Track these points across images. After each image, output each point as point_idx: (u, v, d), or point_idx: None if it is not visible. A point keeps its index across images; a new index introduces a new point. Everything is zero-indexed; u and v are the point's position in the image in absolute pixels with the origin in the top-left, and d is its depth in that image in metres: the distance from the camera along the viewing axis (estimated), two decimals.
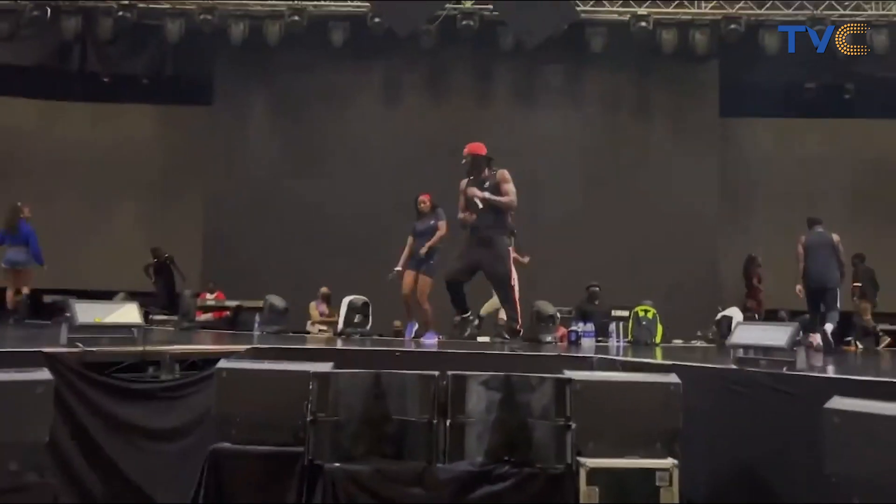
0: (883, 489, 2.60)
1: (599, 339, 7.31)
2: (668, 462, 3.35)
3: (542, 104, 11.12)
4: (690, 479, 3.44)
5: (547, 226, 9.80)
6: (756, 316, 9.57)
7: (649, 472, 3.32)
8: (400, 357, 4.58)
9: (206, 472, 3.45)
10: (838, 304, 7.45)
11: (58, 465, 3.46)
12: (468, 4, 10.42)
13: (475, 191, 5.59)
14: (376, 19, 10.22)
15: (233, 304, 9.40)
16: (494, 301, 6.90)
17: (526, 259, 7.49)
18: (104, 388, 3.81)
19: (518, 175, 5.96)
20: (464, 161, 5.77)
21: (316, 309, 9.69)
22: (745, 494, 3.54)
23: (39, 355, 3.60)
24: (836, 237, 7.49)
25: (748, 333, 4.04)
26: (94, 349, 3.91)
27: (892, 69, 10.45)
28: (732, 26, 10.25)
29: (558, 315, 6.87)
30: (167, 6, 10.56)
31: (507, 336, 5.94)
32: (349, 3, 10.63)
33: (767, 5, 10.26)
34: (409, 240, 6.71)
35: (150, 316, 8.08)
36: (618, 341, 7.24)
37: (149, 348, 4.19)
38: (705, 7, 10.40)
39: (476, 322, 6.13)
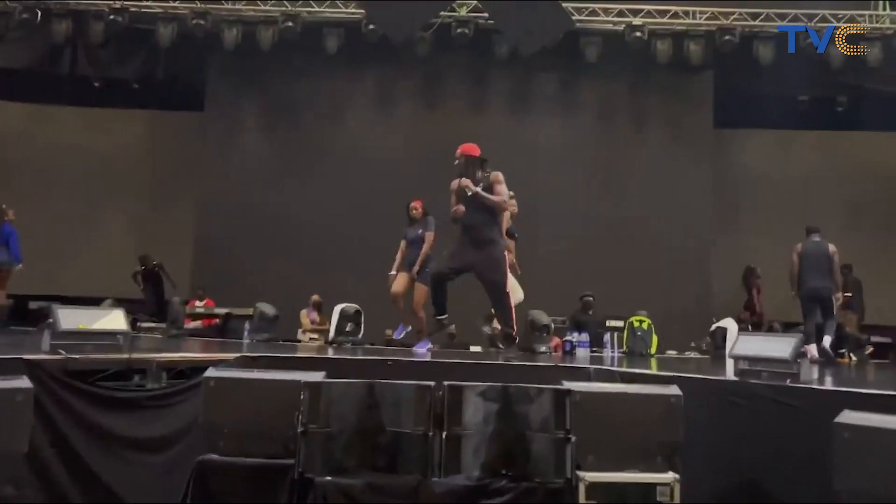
0: None
1: (594, 349, 7.27)
2: (670, 476, 3.28)
3: (536, 113, 11.09)
4: (692, 493, 3.36)
5: (540, 235, 9.73)
6: (749, 326, 9.55)
7: (650, 487, 3.25)
8: (392, 366, 4.49)
9: (193, 485, 3.36)
10: (834, 315, 7.42)
11: (37, 478, 3.35)
12: (463, 12, 10.40)
13: (468, 181, 5.49)
14: (371, 26, 10.16)
15: (222, 311, 9.26)
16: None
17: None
18: (87, 396, 3.70)
19: (512, 184, 5.90)
20: (457, 161, 5.68)
21: (307, 317, 9.58)
22: None
23: (20, 362, 3.49)
24: (832, 247, 7.46)
25: (750, 345, 3.97)
26: (77, 356, 3.81)
27: (885, 82, 10.49)
28: (727, 37, 10.27)
29: (552, 325, 6.82)
30: (159, 10, 10.46)
31: (501, 345, 5.85)
32: (344, 9, 10.57)
33: (762, 16, 10.29)
34: (402, 244, 6.69)
35: (138, 323, 7.98)
36: (612, 352, 7.20)
37: (134, 356, 4.09)
38: (700, 18, 10.42)
39: (452, 327, 6.02)
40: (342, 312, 6.45)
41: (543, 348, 6.36)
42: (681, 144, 11.00)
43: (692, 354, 8.22)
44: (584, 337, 7.13)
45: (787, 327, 8.51)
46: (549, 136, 10.92)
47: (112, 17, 10.32)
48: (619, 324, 7.45)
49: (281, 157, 11.07)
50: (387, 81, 11.14)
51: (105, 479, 3.65)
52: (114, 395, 3.82)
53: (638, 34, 10.28)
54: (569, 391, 3.37)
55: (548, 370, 4.46)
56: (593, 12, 10.44)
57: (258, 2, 10.51)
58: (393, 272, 6.63)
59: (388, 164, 10.59)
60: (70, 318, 4.08)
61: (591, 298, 8.95)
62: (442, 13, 10.04)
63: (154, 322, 8.59)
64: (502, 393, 3.41)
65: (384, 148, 10.78)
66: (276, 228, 10.53)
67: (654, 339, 7.35)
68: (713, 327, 7.60)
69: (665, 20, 10.44)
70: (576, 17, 10.00)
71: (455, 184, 5.66)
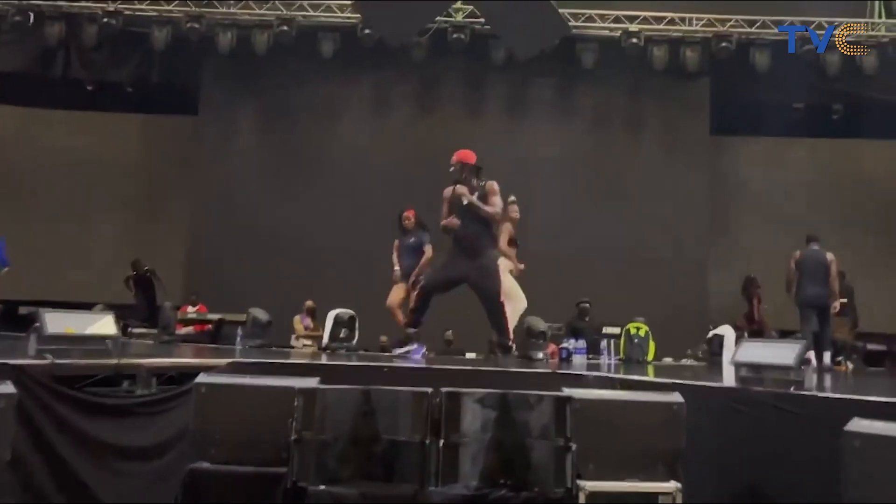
0: None
1: (590, 356, 7.19)
2: (672, 485, 3.21)
3: (533, 118, 11.07)
4: (694, 502, 3.29)
5: (536, 240, 9.65)
6: (746, 334, 9.50)
7: (652, 496, 3.17)
8: (388, 373, 4.41)
9: (183, 494, 3.26)
10: (830, 324, 7.40)
11: (21, 487, 3.24)
12: (460, 17, 10.37)
13: (464, 189, 5.42)
14: (367, 31, 10.13)
15: (215, 317, 9.15)
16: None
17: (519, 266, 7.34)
18: (74, 402, 3.59)
19: (508, 189, 5.86)
20: (452, 168, 5.62)
21: (300, 323, 9.49)
22: None
23: (5, 367, 3.38)
24: (830, 256, 7.45)
25: (752, 352, 3.91)
26: (64, 361, 3.70)
27: (881, 90, 10.52)
28: (724, 44, 10.29)
29: (549, 331, 6.74)
30: (154, 13, 10.40)
31: (498, 353, 5.77)
32: (339, 13, 10.52)
33: (758, 24, 10.31)
34: (395, 252, 6.69)
35: (130, 329, 7.86)
36: (609, 359, 7.13)
37: (123, 361, 3.98)
38: (697, 24, 10.43)
39: (449, 333, 5.98)
40: (337, 318, 6.36)
41: (540, 355, 6.27)
42: (677, 151, 10.99)
43: (688, 361, 8.16)
44: (581, 344, 7.04)
45: (783, 335, 8.47)
46: (545, 142, 10.89)
47: (106, 20, 10.26)
48: (616, 330, 7.38)
49: (275, 161, 11.00)
50: (382, 86, 11.09)
51: (92, 488, 3.54)
52: (102, 402, 3.71)
53: (634, 40, 10.29)
54: (569, 398, 3.29)
55: (547, 377, 4.38)
56: (590, 18, 10.45)
57: (253, 6, 10.46)
58: (397, 267, 6.62)
59: (383, 168, 10.54)
60: (57, 322, 3.98)
61: (588, 305, 8.88)
62: (438, 18, 10.02)
63: (146, 328, 8.48)
64: (501, 400, 3.33)
65: (380, 153, 10.73)
66: (271, 233, 10.44)
67: (652, 346, 7.28)
68: (710, 334, 7.54)
69: (662, 27, 10.46)
70: (572, 22, 10.00)
71: (448, 191, 5.60)
